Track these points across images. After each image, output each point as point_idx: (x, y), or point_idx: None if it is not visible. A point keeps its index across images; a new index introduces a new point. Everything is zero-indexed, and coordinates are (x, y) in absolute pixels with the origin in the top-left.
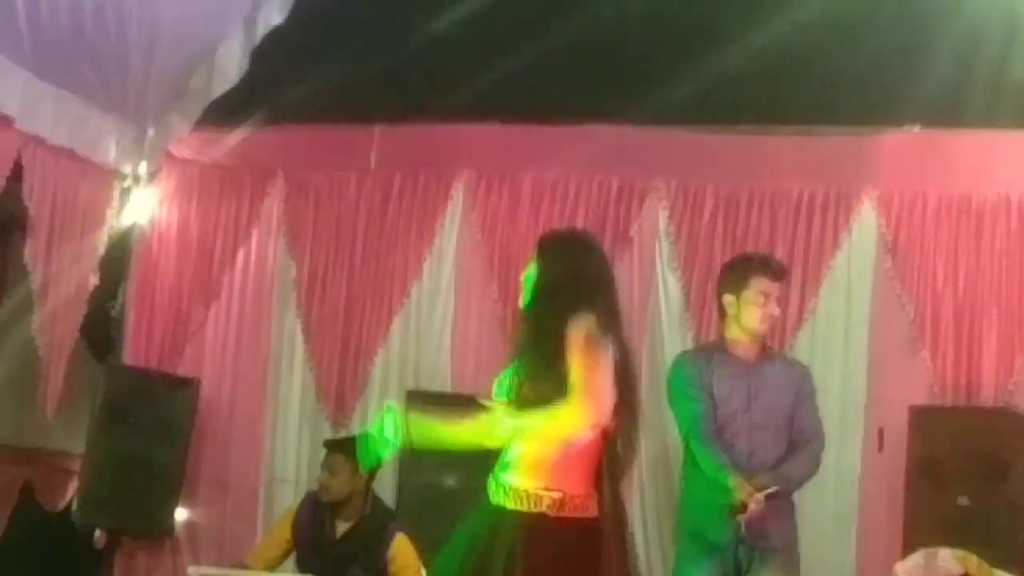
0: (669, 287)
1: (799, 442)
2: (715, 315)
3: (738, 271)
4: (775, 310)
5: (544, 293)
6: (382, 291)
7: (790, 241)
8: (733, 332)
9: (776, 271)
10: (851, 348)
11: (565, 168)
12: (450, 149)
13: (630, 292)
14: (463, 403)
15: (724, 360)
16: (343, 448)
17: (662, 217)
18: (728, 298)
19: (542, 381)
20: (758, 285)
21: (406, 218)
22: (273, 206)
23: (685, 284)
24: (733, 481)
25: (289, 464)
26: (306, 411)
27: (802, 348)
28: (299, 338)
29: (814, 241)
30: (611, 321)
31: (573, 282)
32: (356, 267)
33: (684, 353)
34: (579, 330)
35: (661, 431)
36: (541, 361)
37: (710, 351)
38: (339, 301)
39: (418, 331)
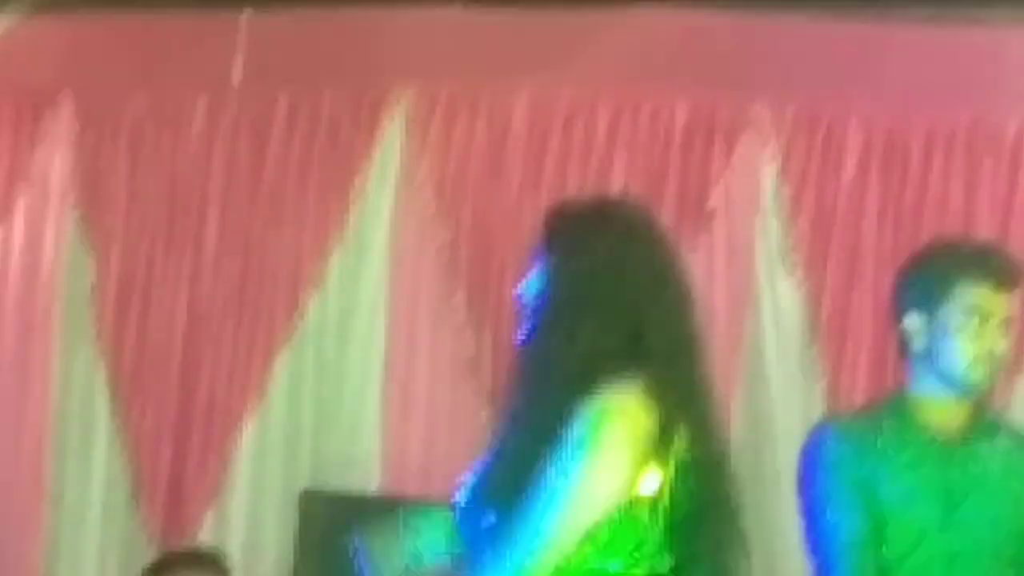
0: (780, 296)
1: None
2: (885, 349)
3: (934, 272)
4: (1000, 346)
5: (554, 325)
6: (255, 305)
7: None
8: (925, 384)
9: (1005, 272)
10: None
11: (588, 84)
12: (377, 51)
13: (710, 301)
14: (410, 516)
15: (903, 436)
16: (202, 564)
17: (768, 172)
18: (914, 319)
19: (519, 488)
20: (970, 297)
21: (297, 174)
22: (53, 154)
23: (811, 290)
24: None
25: None
26: (112, 520)
27: None
28: (101, 390)
29: None
30: (676, 388)
31: (605, 310)
32: (206, 262)
33: (831, 422)
34: (600, 413)
35: (771, 570)
36: (531, 460)
37: (879, 418)
38: (174, 323)
39: (321, 377)
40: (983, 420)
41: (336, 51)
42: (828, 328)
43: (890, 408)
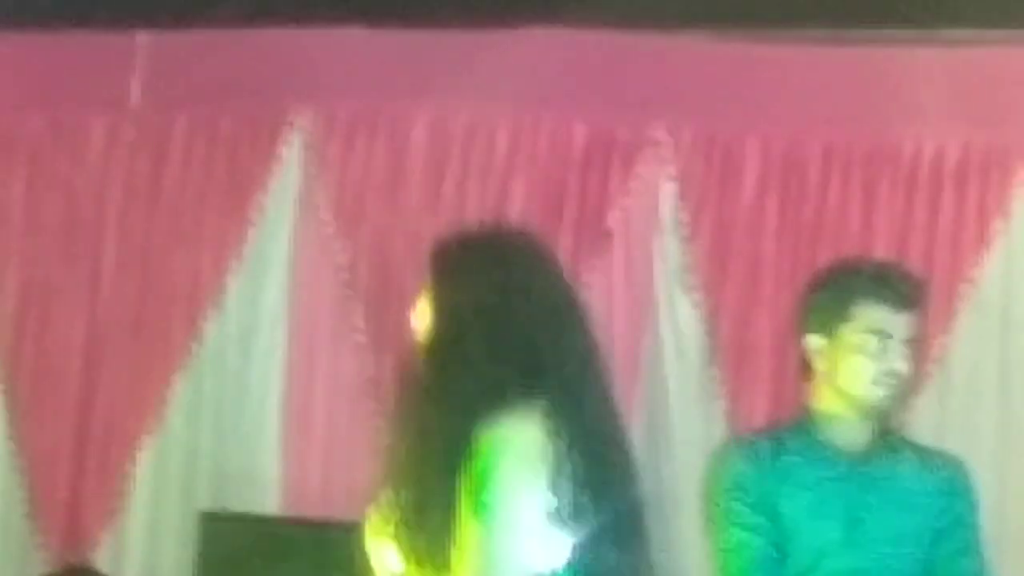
0: (679, 317)
1: None
2: (784, 369)
3: (834, 292)
4: (901, 365)
5: (442, 360)
6: (153, 325)
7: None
8: (826, 402)
9: (903, 292)
10: None
11: (487, 104)
12: (275, 71)
13: (609, 322)
14: (308, 533)
15: (806, 455)
16: None
17: (667, 193)
18: (814, 341)
19: (427, 531)
20: (869, 317)
21: (196, 194)
22: None
23: (710, 311)
24: None
25: None
26: (8, 539)
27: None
28: None
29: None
30: (574, 415)
31: (497, 341)
32: (104, 282)
33: (735, 442)
34: (504, 444)
35: None
36: (428, 492)
37: (782, 438)
38: (72, 342)
39: (220, 397)
40: (887, 438)
41: (234, 72)
42: (727, 348)
43: (794, 427)
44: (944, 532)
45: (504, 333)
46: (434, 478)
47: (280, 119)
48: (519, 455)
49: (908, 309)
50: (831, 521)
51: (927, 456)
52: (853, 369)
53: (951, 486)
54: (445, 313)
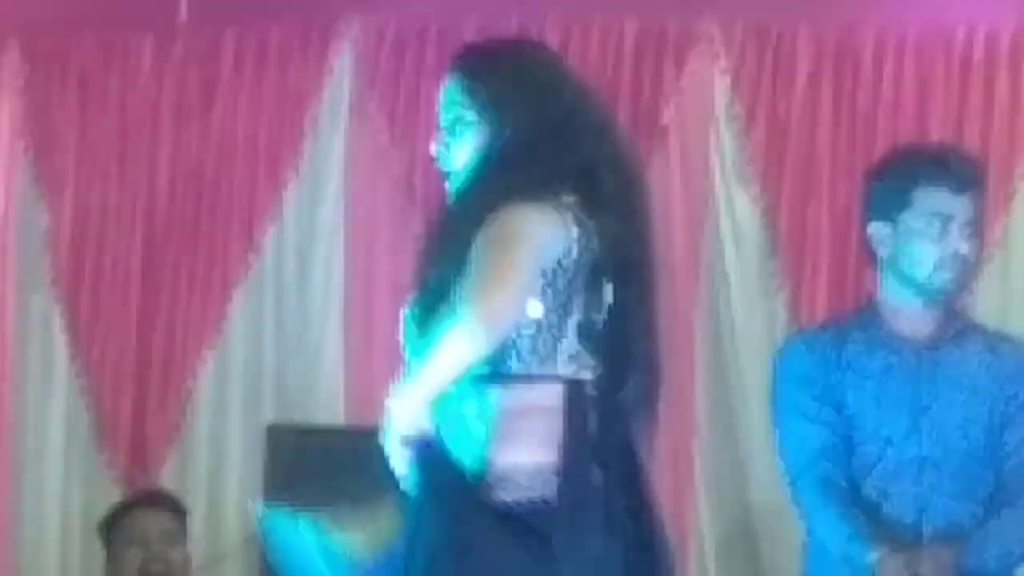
0: (738, 210)
1: (1011, 493)
2: (844, 258)
3: (894, 179)
4: (964, 246)
5: (481, 165)
6: (211, 242)
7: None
8: (891, 290)
9: (961, 174)
10: None
11: (536, 6)
12: None
13: (667, 218)
14: (374, 443)
15: (871, 344)
16: (169, 502)
17: (720, 87)
18: (878, 228)
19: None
20: (930, 201)
21: (248, 109)
22: (2, 101)
23: (768, 203)
24: (879, 560)
25: (48, 557)
26: (75, 463)
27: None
28: (59, 334)
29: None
30: (604, 211)
31: (531, 136)
32: (159, 201)
33: (799, 335)
34: (501, 221)
35: (741, 477)
36: (442, 285)
37: (848, 327)
38: (130, 264)
39: (280, 308)
40: (954, 324)
41: None
42: (786, 240)
43: (859, 317)
44: (1012, 419)
45: (534, 135)
46: (446, 266)
47: (330, 30)
48: (508, 246)
49: (968, 191)
50: (896, 409)
51: (996, 342)
52: (917, 254)
53: (1019, 372)
54: (485, 116)
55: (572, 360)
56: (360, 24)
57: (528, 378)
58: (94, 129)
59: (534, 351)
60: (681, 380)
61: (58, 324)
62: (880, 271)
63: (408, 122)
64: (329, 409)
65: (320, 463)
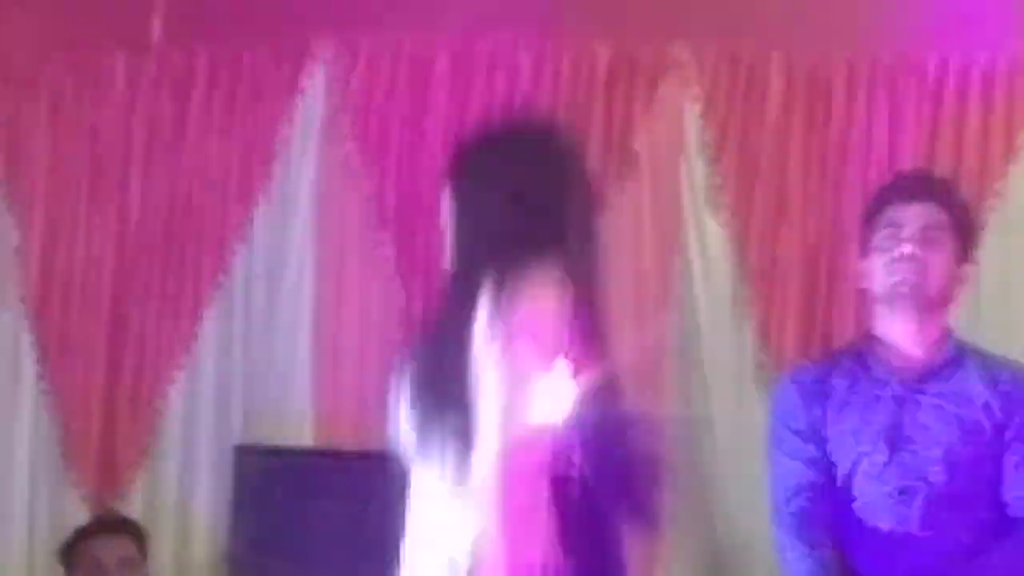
0: (708, 238)
1: (1010, 524)
2: (814, 288)
3: (865, 214)
4: (911, 248)
5: (464, 242)
6: (181, 262)
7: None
8: (881, 323)
9: (913, 185)
10: None
11: (510, 30)
12: (296, 3)
13: (637, 245)
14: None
15: (857, 377)
16: (128, 527)
17: (692, 114)
18: (861, 265)
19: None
20: (883, 217)
21: (220, 130)
22: None
23: (738, 231)
24: None
25: (13, 571)
26: (42, 482)
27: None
28: (27, 351)
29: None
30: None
31: (514, 214)
32: (130, 221)
33: (790, 371)
34: (528, 290)
35: (706, 503)
36: (445, 362)
37: (836, 363)
38: (100, 284)
39: (249, 330)
40: (946, 354)
41: (255, 5)
42: (757, 268)
43: (849, 350)
44: (1008, 448)
45: (523, 205)
46: (447, 339)
47: (302, 52)
48: (529, 301)
49: (919, 199)
50: (876, 442)
51: (993, 369)
52: (874, 268)
53: (1012, 400)
54: (469, 199)
55: None
56: (332, 46)
57: None
58: (65, 148)
59: None
60: (648, 407)
61: (26, 342)
62: (872, 305)
63: (380, 144)
64: (298, 430)
65: (288, 484)
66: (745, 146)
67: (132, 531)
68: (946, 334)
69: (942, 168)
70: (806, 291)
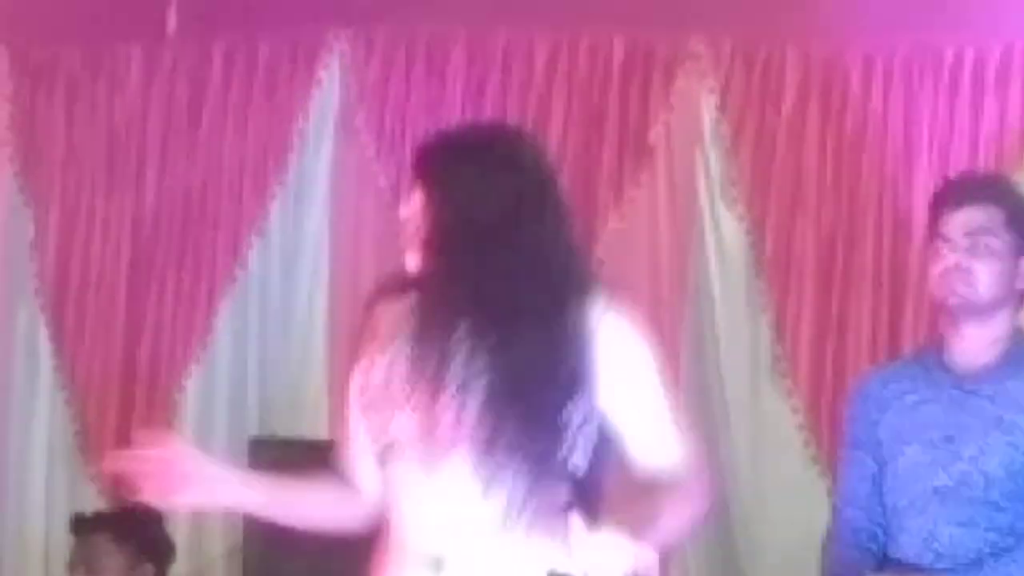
0: (723, 230)
1: None
2: (829, 279)
3: (929, 219)
4: (957, 258)
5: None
6: (197, 254)
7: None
8: (943, 326)
9: (954, 191)
10: None
11: (525, 22)
12: None
13: (654, 237)
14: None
15: (917, 379)
16: (109, 525)
17: (708, 106)
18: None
19: None
20: (934, 229)
21: (236, 121)
22: None
23: (754, 223)
24: None
25: (31, 568)
26: (59, 474)
27: None
28: (44, 345)
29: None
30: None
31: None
32: (146, 213)
33: (859, 378)
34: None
35: (722, 492)
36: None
37: (903, 365)
38: (116, 276)
39: (265, 321)
40: (1012, 357)
41: None
42: (772, 260)
43: (922, 352)
44: None
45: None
46: (544, 347)
47: (318, 43)
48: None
49: (962, 205)
50: (920, 443)
51: None
52: (931, 278)
53: None
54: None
55: None
56: (348, 37)
57: None
58: (81, 139)
59: None
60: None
61: (43, 335)
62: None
63: (395, 135)
64: (313, 423)
65: (304, 477)
66: (761, 138)
67: (118, 531)
68: (1008, 334)
69: (958, 160)
70: (821, 282)
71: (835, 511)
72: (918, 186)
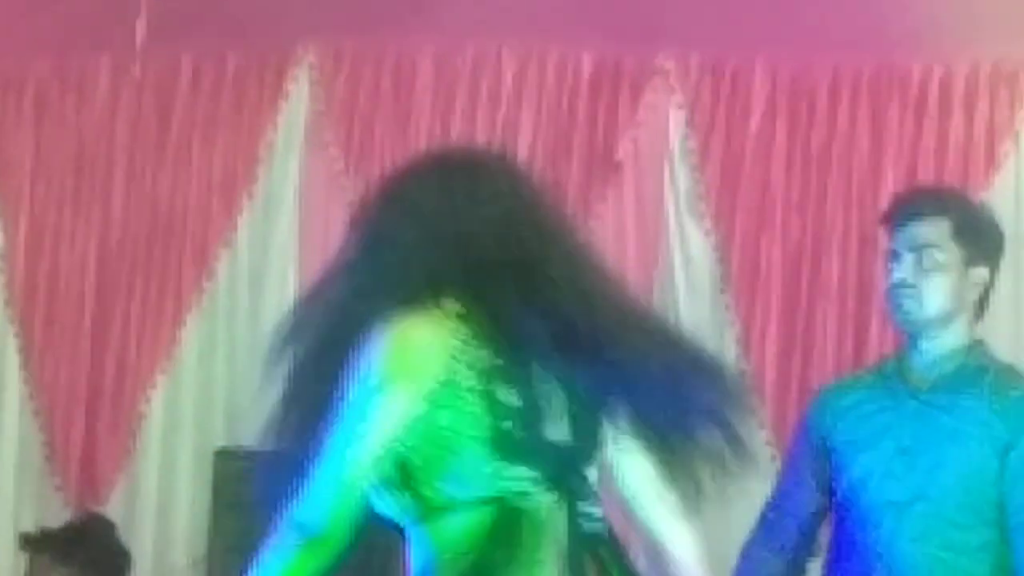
0: (690, 245)
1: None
2: (795, 295)
3: (883, 229)
4: (905, 274)
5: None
6: (164, 266)
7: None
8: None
9: (903, 207)
10: None
11: (493, 36)
12: (280, 9)
13: (620, 252)
14: None
15: (873, 391)
16: (53, 544)
17: (675, 122)
18: None
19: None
20: (890, 243)
21: (204, 134)
22: None
23: (721, 239)
24: None
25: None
26: (26, 485)
27: None
28: (11, 357)
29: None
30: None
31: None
32: (114, 224)
33: (820, 388)
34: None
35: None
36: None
37: (860, 379)
38: (84, 287)
39: (232, 333)
40: (965, 369)
41: (239, 10)
42: (738, 275)
43: (879, 366)
44: (1009, 465)
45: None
46: (326, 367)
47: (287, 56)
48: (401, 355)
49: (909, 220)
50: (874, 453)
51: (1008, 386)
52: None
53: (1017, 418)
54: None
55: None
56: (316, 50)
57: None
58: (49, 151)
59: None
60: None
61: (11, 346)
62: None
63: (363, 148)
64: None
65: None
66: (729, 154)
67: (73, 553)
68: (965, 345)
69: (924, 178)
70: (788, 298)
71: (761, 514)
72: (884, 203)
